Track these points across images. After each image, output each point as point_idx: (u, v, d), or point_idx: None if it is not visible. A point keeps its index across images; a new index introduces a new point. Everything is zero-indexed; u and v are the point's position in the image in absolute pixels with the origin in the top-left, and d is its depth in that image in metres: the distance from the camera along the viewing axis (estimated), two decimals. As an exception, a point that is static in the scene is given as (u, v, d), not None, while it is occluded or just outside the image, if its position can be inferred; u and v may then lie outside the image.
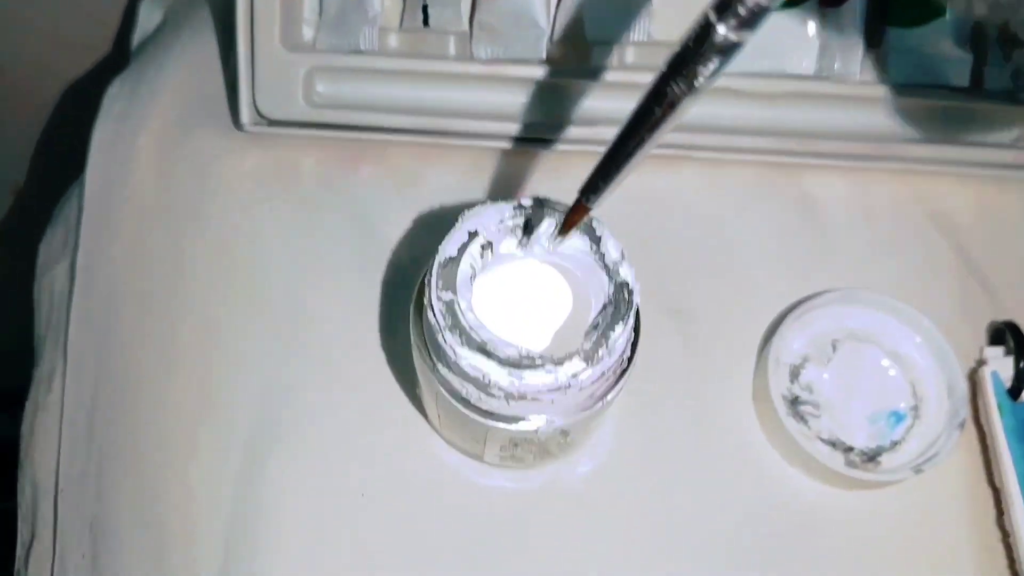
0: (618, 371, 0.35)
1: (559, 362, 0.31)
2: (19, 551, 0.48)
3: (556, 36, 0.49)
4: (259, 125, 0.50)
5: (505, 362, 0.31)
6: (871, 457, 0.43)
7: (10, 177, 0.72)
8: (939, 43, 0.49)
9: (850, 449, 0.43)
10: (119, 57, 0.57)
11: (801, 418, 0.43)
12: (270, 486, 0.43)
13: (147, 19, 0.61)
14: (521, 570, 0.42)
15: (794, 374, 0.44)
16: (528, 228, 0.35)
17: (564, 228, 0.33)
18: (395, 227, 0.48)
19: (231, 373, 0.45)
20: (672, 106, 0.25)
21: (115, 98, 0.54)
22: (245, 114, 0.49)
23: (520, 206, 0.34)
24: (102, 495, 0.44)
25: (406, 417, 0.44)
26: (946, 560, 0.43)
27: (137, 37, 0.61)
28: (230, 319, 0.47)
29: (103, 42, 0.68)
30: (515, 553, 0.42)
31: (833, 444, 0.43)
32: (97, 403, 0.46)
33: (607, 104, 0.48)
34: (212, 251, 0.48)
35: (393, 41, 0.50)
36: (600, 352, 0.32)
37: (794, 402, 0.44)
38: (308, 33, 0.49)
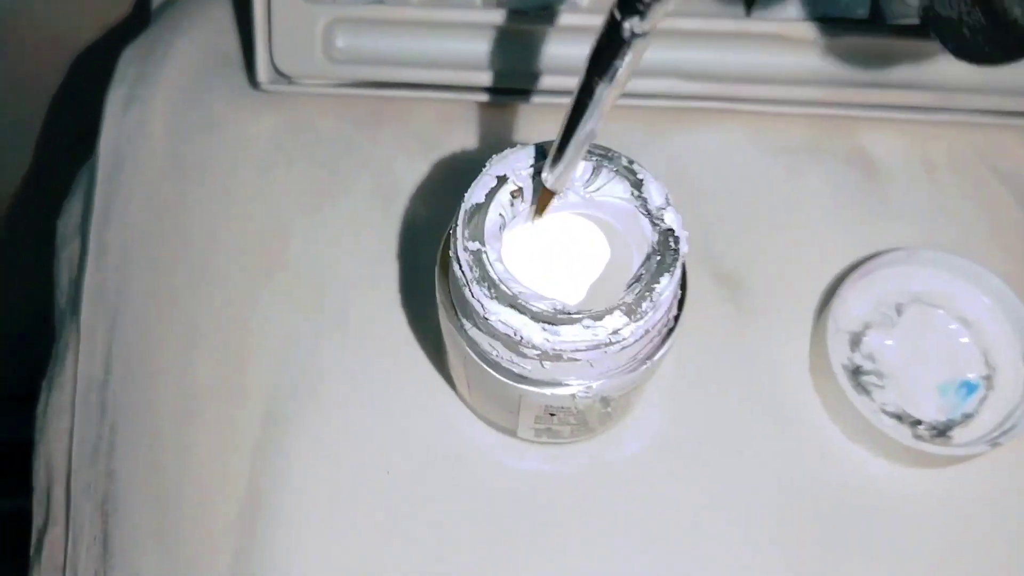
0: (664, 330, 0.31)
1: (598, 316, 0.28)
2: (33, 536, 0.46)
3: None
4: (277, 83, 0.47)
5: (538, 317, 0.28)
6: (941, 431, 0.39)
7: (25, 152, 0.71)
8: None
9: (918, 423, 0.39)
10: (138, 27, 0.55)
11: (864, 389, 0.40)
12: (289, 461, 0.40)
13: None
14: (557, 560, 0.39)
15: (855, 342, 0.41)
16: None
17: (539, 212, 0.32)
18: (418, 189, 0.46)
19: (248, 342, 0.43)
20: (599, 99, 0.26)
21: (130, 61, 0.52)
22: (262, 71, 0.47)
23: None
24: (114, 473, 0.42)
25: (434, 389, 0.41)
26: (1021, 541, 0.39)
27: (155, 4, 0.59)
28: (247, 286, 0.44)
29: (121, 13, 0.66)
30: (551, 542, 0.39)
31: (899, 417, 0.39)
32: (110, 377, 0.44)
33: (650, 54, 0.44)
34: (228, 215, 0.46)
35: (417, -10, 0.47)
36: (644, 306, 0.29)
37: (856, 372, 0.40)
38: (326, -18, 0.46)
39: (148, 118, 0.49)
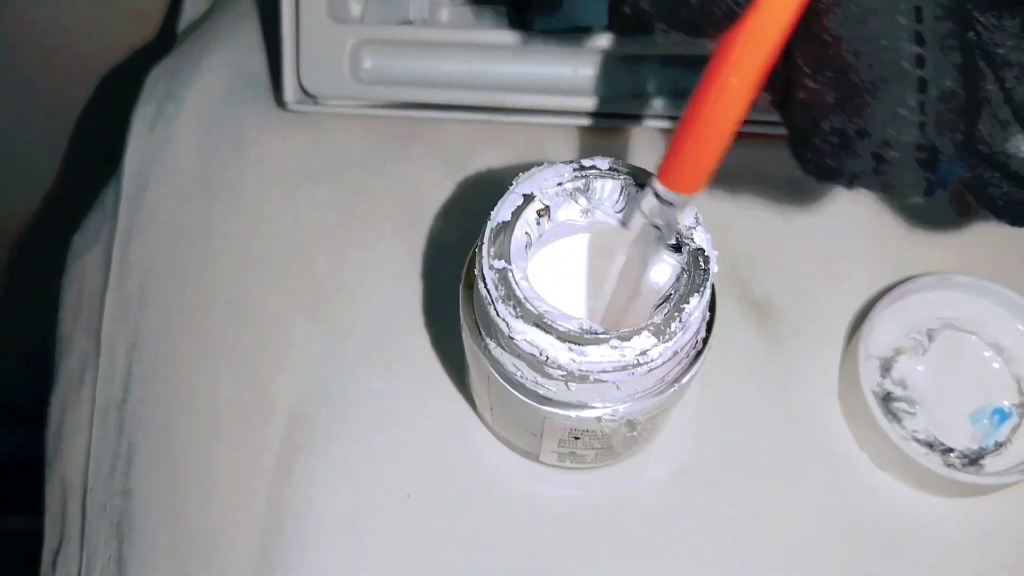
0: (692, 352, 0.31)
1: (626, 337, 0.28)
2: (45, 556, 0.45)
3: (617, 3, 0.45)
4: (304, 104, 0.47)
5: (565, 337, 0.28)
6: (973, 460, 0.38)
7: (48, 170, 0.71)
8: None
9: (949, 450, 0.38)
10: (163, 50, 0.55)
11: (894, 416, 0.39)
12: (308, 483, 0.40)
13: (192, 9, 0.59)
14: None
15: (886, 368, 0.40)
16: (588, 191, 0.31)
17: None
18: (444, 209, 0.45)
19: (270, 363, 0.43)
20: None
21: (157, 80, 0.52)
22: (289, 91, 0.47)
23: (581, 167, 0.31)
24: (131, 492, 0.42)
25: (456, 412, 0.41)
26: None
27: (181, 26, 0.59)
28: (270, 306, 0.44)
29: (146, 35, 0.66)
30: (573, 570, 0.38)
31: (930, 445, 0.38)
32: (129, 396, 0.44)
33: (673, 77, 0.44)
34: (252, 235, 0.46)
35: (445, 12, 0.47)
36: (673, 326, 0.28)
37: (886, 398, 0.39)
38: (355, 5, 0.46)
39: (174, 137, 0.49)
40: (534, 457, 0.38)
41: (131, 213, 0.48)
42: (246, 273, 0.45)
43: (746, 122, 0.44)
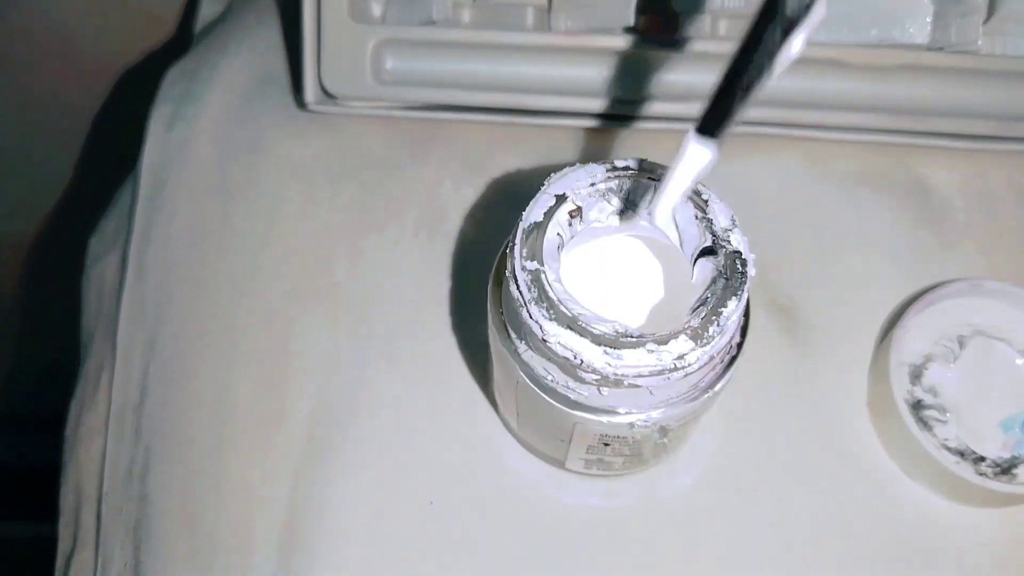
0: (726, 358, 0.30)
1: (663, 341, 0.27)
2: (59, 561, 0.45)
3: (641, 5, 0.45)
4: (324, 104, 0.47)
5: (600, 340, 0.27)
6: (1006, 469, 0.38)
7: (65, 172, 0.71)
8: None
9: (981, 459, 0.38)
10: (179, 51, 0.55)
11: (925, 424, 0.38)
12: (328, 488, 0.39)
13: (209, 10, 0.59)
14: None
15: (916, 375, 0.39)
16: (627, 199, 0.30)
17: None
18: (465, 212, 0.45)
19: (292, 365, 0.42)
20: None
21: (175, 80, 0.52)
22: (310, 91, 0.46)
23: (614, 167, 0.30)
24: (147, 497, 0.41)
25: (480, 417, 0.40)
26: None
27: (198, 27, 0.58)
28: (291, 308, 0.43)
29: (162, 36, 0.66)
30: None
31: (962, 453, 0.38)
32: (146, 398, 0.43)
33: (696, 78, 0.44)
34: (271, 237, 0.45)
35: (467, 13, 0.46)
36: (711, 330, 0.27)
37: (916, 406, 0.39)
38: (377, 6, 0.46)
39: (192, 137, 0.48)
40: (560, 464, 0.38)
41: (148, 214, 0.47)
42: (264, 275, 0.44)
43: (774, 124, 0.45)
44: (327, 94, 0.46)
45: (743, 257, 0.29)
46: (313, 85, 0.46)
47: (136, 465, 0.42)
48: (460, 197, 0.45)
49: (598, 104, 0.45)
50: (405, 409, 0.41)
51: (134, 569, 0.40)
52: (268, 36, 0.52)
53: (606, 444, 0.33)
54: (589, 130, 0.46)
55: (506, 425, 0.39)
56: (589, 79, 0.45)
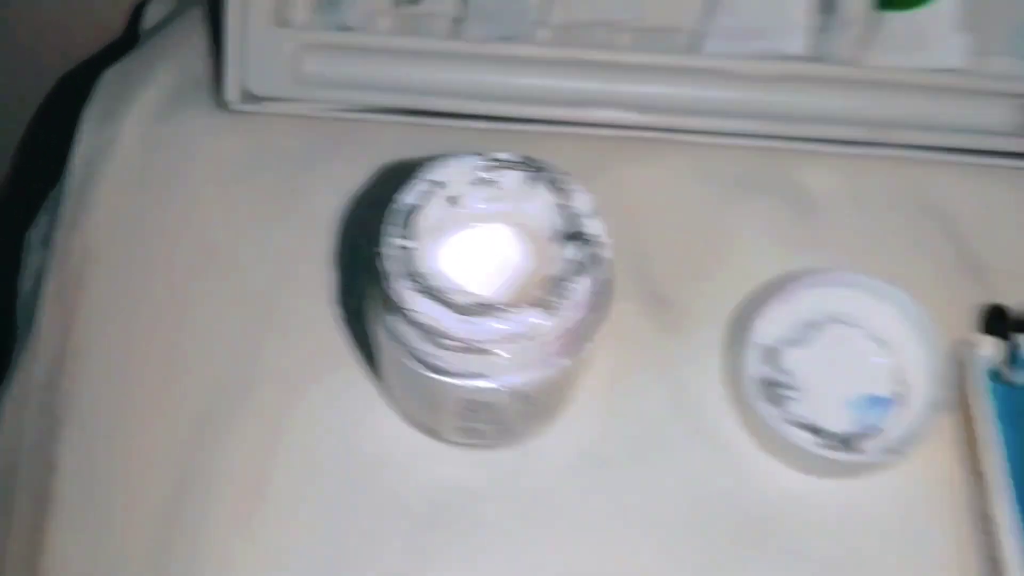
0: (584, 332, 0.34)
1: (514, 308, 0.31)
2: None
3: (548, 16, 0.49)
4: (245, 104, 0.49)
5: (458, 309, 0.31)
6: (846, 441, 0.41)
7: (3, 168, 0.73)
8: (937, 25, 0.48)
9: (827, 433, 0.41)
10: (127, 50, 0.57)
11: (776, 401, 0.42)
12: (220, 458, 0.42)
13: (153, 17, 0.61)
14: (475, 563, 0.41)
15: (770, 356, 0.43)
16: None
17: None
18: (370, 204, 0.47)
19: (191, 342, 0.45)
20: None
21: (110, 81, 0.54)
22: (230, 91, 0.48)
23: (489, 158, 0.34)
24: (54, 466, 0.43)
25: (364, 392, 0.43)
26: (926, 549, 0.41)
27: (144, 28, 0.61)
28: (196, 292, 0.46)
29: (111, 35, 0.68)
30: (468, 546, 0.41)
31: (808, 428, 0.41)
32: (60, 376, 0.45)
33: (599, 86, 0.48)
34: (186, 226, 0.48)
35: (385, 21, 0.49)
36: (560, 303, 0.31)
37: (769, 384, 0.42)
38: (299, 10, 0.49)
39: (121, 134, 0.50)
40: (438, 435, 0.41)
41: (75, 204, 0.49)
42: (178, 261, 0.47)
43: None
44: (249, 95, 0.49)
45: (598, 240, 0.33)
46: (234, 85, 0.48)
47: (44, 438, 0.44)
48: (368, 190, 0.48)
49: (508, 108, 0.48)
50: (295, 386, 0.44)
51: (33, 531, 0.42)
52: (204, 41, 0.54)
53: (474, 411, 0.36)
54: (500, 132, 0.49)
55: (391, 398, 0.42)
56: (500, 84, 0.48)
